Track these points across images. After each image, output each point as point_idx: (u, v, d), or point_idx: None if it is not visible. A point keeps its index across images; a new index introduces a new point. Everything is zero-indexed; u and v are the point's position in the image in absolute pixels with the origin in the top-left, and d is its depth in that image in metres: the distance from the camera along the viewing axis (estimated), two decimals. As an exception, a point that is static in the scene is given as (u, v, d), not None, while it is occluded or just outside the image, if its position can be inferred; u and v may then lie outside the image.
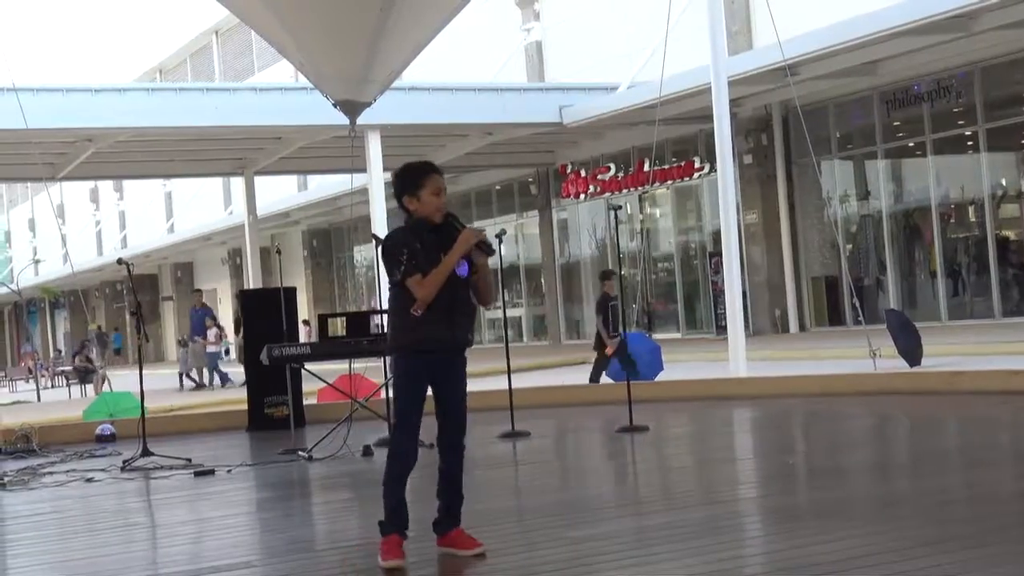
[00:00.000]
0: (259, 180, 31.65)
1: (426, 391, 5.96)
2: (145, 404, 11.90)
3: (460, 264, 5.89)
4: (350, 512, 8.20)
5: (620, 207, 12.37)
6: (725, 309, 17.54)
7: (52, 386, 34.18)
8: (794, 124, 24.79)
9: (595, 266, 32.32)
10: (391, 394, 6.02)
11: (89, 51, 59.48)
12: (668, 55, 18.00)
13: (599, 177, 30.50)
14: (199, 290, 32.64)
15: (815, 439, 10.75)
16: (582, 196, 31.36)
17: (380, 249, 6.10)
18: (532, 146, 30.80)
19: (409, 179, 5.98)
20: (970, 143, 23.27)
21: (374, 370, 14.36)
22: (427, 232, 5.93)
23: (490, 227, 33.22)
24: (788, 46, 17.99)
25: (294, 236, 45.20)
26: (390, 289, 5.99)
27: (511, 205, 35.00)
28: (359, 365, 12.86)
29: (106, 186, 57.14)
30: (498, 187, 35.18)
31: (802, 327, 26.12)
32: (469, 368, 6.12)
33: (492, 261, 6.10)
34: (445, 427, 6.01)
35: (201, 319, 27.38)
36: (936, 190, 23.90)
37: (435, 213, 5.94)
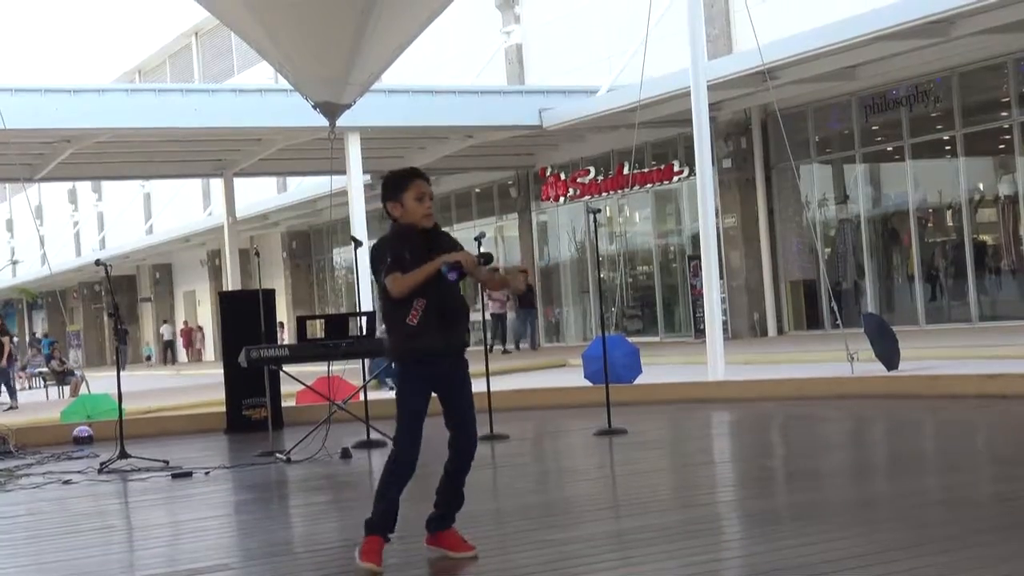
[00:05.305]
0: (238, 182, 31.60)
1: (428, 399, 5.86)
2: (123, 406, 11.86)
3: (449, 271, 5.71)
4: (328, 515, 8.18)
5: (599, 210, 12.35)
6: (703, 312, 17.58)
7: (29, 387, 33.97)
8: (773, 128, 24.83)
9: (574, 269, 32.35)
10: (397, 401, 5.93)
11: (68, 52, 59.29)
12: (648, 59, 18.03)
13: (579, 180, 30.51)
14: None
15: (793, 442, 10.77)
16: (561, 199, 31.36)
17: (369, 256, 6.00)
18: (512, 149, 30.82)
19: (392, 185, 5.89)
20: (948, 148, 23.34)
21: (352, 372, 14.34)
22: (416, 236, 5.80)
23: (470, 230, 33.30)
24: (767, 50, 18.03)
25: (273, 238, 45.10)
26: (381, 299, 5.88)
27: (491, 208, 34.98)
28: (337, 367, 12.85)
29: (84, 187, 56.94)
30: (478, 190, 35.17)
31: (780, 331, 26.18)
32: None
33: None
34: (456, 433, 5.92)
35: None
36: (914, 194, 23.98)
37: (421, 219, 5.83)
